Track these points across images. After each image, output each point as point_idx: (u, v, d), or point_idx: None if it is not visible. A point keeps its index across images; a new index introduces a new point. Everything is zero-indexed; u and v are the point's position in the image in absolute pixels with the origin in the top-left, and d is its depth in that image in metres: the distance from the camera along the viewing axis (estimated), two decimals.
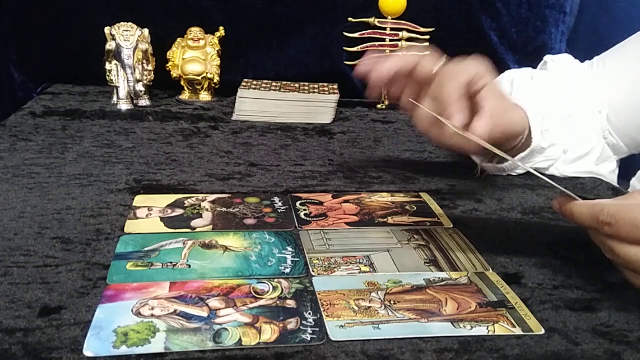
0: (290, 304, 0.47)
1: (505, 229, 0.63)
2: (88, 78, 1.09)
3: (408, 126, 1.00)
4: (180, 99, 1.05)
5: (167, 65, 1.03)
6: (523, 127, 0.66)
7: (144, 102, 1.00)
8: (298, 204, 0.66)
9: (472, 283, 0.52)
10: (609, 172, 0.77)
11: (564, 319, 0.47)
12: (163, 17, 1.08)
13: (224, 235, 0.58)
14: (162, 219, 0.61)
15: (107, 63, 0.97)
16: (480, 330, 0.45)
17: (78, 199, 0.64)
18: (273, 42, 1.13)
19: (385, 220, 0.63)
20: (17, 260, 0.51)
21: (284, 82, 1.05)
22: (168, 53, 1.03)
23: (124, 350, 0.41)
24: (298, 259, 0.54)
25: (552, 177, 0.74)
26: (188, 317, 0.45)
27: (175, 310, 0.45)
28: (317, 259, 0.54)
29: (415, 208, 0.67)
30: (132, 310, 0.45)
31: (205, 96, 1.05)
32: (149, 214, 0.62)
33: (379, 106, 1.10)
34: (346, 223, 0.62)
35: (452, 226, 0.63)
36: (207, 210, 0.63)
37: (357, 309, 0.47)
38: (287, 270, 0.52)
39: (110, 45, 0.96)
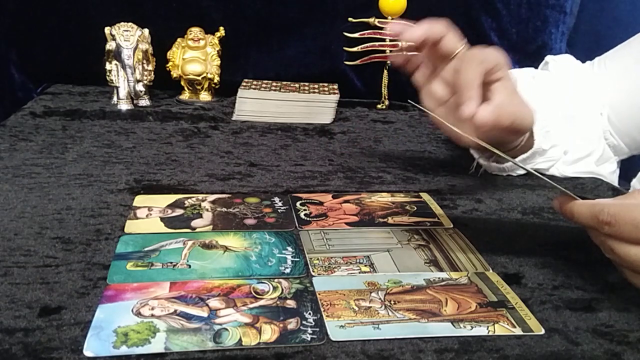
0: (290, 304, 0.47)
1: (505, 229, 0.63)
2: (88, 78, 1.09)
3: (408, 126, 1.00)
4: (180, 99, 1.05)
5: (167, 65, 1.03)
6: (530, 123, 0.64)
7: (144, 102, 1.00)
8: (298, 204, 0.66)
9: (472, 283, 0.52)
10: (610, 173, 0.77)
11: (564, 319, 0.47)
12: (163, 17, 1.08)
13: (224, 235, 0.58)
14: (162, 219, 0.61)
15: (107, 63, 0.97)
16: (480, 330, 0.45)
17: (78, 199, 0.64)
18: (273, 42, 1.13)
19: (385, 220, 0.63)
20: (17, 260, 0.51)
21: (284, 82, 1.05)
22: (168, 53, 1.03)
23: (124, 350, 0.41)
24: (298, 259, 0.54)
25: (552, 177, 0.74)
26: (188, 317, 0.45)
27: (175, 310, 0.45)
28: (317, 259, 0.54)
29: (415, 208, 0.67)
30: (132, 310, 0.45)
31: (205, 96, 1.05)
32: (149, 214, 0.62)
33: (379, 106, 1.10)
34: (346, 223, 0.62)
35: (452, 226, 0.63)
36: (207, 210, 0.63)
37: (357, 309, 0.47)
38: (287, 270, 0.52)
39: (110, 45, 0.96)
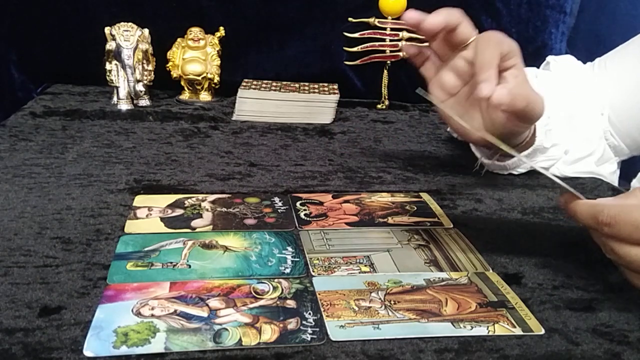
0: (290, 304, 0.47)
1: (505, 229, 0.63)
2: (88, 78, 1.09)
3: (408, 126, 1.00)
4: (180, 99, 1.05)
5: (167, 65, 1.03)
6: (541, 110, 0.62)
7: (144, 102, 1.00)
8: (298, 204, 0.66)
9: (472, 283, 0.52)
10: (610, 174, 0.77)
11: (564, 319, 0.47)
12: (163, 17, 1.08)
13: (224, 235, 0.58)
14: (162, 219, 0.61)
15: (107, 63, 0.97)
16: (480, 330, 0.45)
17: (78, 199, 0.64)
18: (273, 42, 1.13)
19: (385, 220, 0.63)
20: (17, 260, 0.51)
21: (284, 82, 1.05)
22: (168, 53, 1.03)
23: (124, 350, 0.41)
24: (298, 259, 0.54)
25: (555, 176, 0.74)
26: (188, 317, 0.45)
27: (175, 310, 0.45)
28: (317, 259, 0.54)
29: (415, 208, 0.67)
30: (132, 310, 0.45)
31: (205, 96, 1.05)
32: (149, 214, 0.62)
33: (379, 106, 1.10)
34: (346, 223, 0.62)
35: (452, 226, 0.63)
36: (207, 210, 0.63)
37: (357, 309, 0.47)
38: (287, 270, 0.52)
39: (110, 45, 0.96)
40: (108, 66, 0.97)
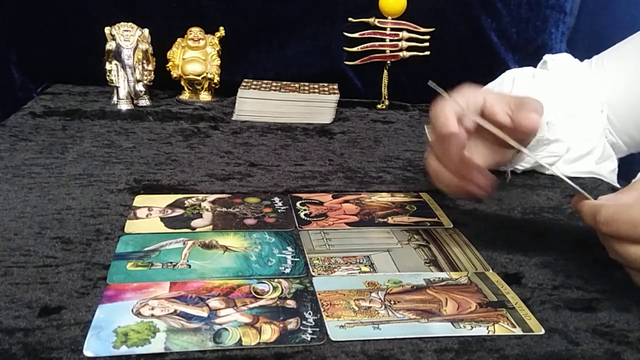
0: (290, 304, 0.47)
1: (505, 229, 0.63)
2: (88, 78, 1.09)
3: (408, 126, 1.00)
4: (180, 99, 1.05)
5: (167, 65, 1.03)
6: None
7: (144, 102, 1.00)
8: (298, 204, 0.66)
9: (472, 283, 0.52)
10: (609, 172, 0.77)
11: (564, 319, 0.47)
12: (163, 17, 1.08)
13: (224, 235, 0.58)
14: (162, 219, 0.61)
15: (107, 63, 0.97)
16: (480, 330, 0.45)
17: (78, 199, 0.64)
18: (273, 42, 1.13)
19: (385, 220, 0.63)
20: (17, 260, 0.51)
21: (284, 82, 1.05)
22: (168, 53, 1.03)
23: (124, 350, 0.41)
24: (298, 259, 0.54)
25: (553, 176, 0.74)
26: (188, 317, 0.45)
27: (175, 310, 0.45)
28: (317, 259, 0.54)
29: (415, 208, 0.67)
30: (132, 310, 0.45)
31: (205, 96, 1.05)
32: (149, 214, 0.62)
33: (379, 106, 1.10)
34: (346, 223, 0.62)
35: (452, 226, 0.63)
36: (207, 210, 0.63)
37: (357, 309, 0.47)
38: (287, 270, 0.52)
39: (110, 45, 0.96)
40: (108, 66, 0.97)
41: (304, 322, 0.45)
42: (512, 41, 1.15)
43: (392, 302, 0.48)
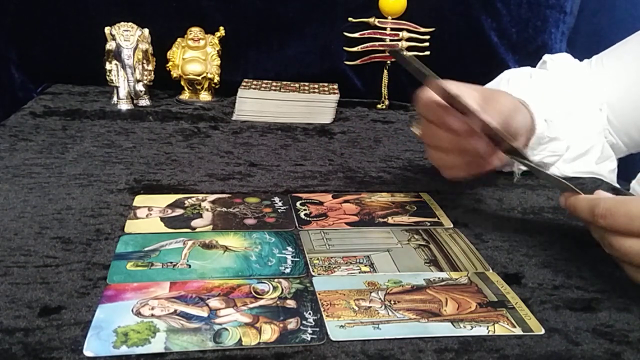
0: (290, 304, 0.47)
1: (505, 229, 0.63)
2: (88, 78, 1.09)
3: (408, 126, 1.00)
4: (180, 99, 1.05)
5: (167, 65, 1.03)
6: (525, 124, 0.65)
7: (144, 102, 1.00)
8: (298, 203, 0.66)
9: (472, 283, 0.52)
10: (609, 172, 0.77)
11: (564, 319, 0.47)
12: (163, 17, 1.08)
13: (224, 235, 0.58)
14: (162, 219, 0.61)
15: (107, 63, 0.97)
16: (480, 330, 0.45)
17: (78, 199, 0.64)
18: (273, 42, 1.13)
19: (385, 220, 0.63)
20: (17, 260, 0.51)
21: (284, 82, 1.05)
22: (168, 53, 1.03)
23: (124, 350, 0.41)
24: (298, 259, 0.54)
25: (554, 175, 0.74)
26: (188, 317, 0.45)
27: (175, 310, 0.45)
28: (317, 259, 0.54)
29: (415, 208, 0.67)
30: (132, 310, 0.45)
31: (205, 96, 1.05)
32: (149, 213, 0.62)
33: (379, 106, 1.10)
34: (346, 223, 0.62)
35: (452, 226, 0.63)
36: (207, 210, 0.63)
37: (357, 309, 0.47)
38: (287, 270, 0.52)
39: (110, 45, 0.96)
40: (108, 66, 0.97)
41: (304, 322, 0.45)
42: (512, 41, 1.15)
43: (392, 302, 0.48)
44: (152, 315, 0.45)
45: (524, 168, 0.75)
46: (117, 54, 0.96)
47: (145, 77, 0.98)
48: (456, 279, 0.52)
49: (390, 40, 1.06)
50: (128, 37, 0.96)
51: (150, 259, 0.53)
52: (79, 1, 1.07)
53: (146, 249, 0.55)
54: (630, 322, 0.47)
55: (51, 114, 0.94)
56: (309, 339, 0.43)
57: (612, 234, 0.47)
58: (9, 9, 1.06)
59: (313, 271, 0.52)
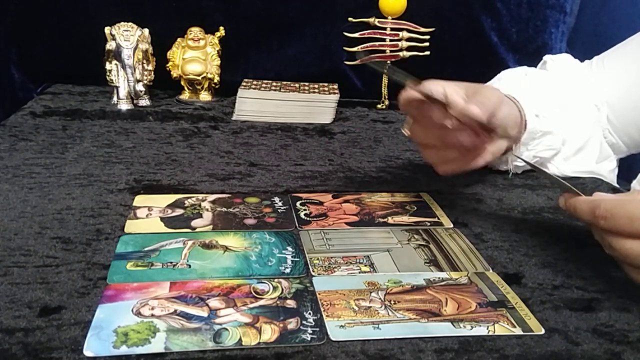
0: (290, 303, 0.47)
1: (505, 229, 0.63)
2: (88, 78, 1.09)
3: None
4: (180, 98, 1.05)
5: (167, 65, 1.03)
6: (513, 118, 0.65)
7: (144, 102, 1.00)
8: (298, 203, 0.66)
9: (472, 283, 0.52)
10: (609, 172, 0.77)
11: (564, 319, 0.47)
12: (163, 17, 1.08)
13: (224, 235, 0.58)
14: (162, 219, 0.61)
15: (107, 63, 0.97)
16: (480, 330, 0.45)
17: (78, 199, 0.64)
18: (273, 42, 1.13)
19: (385, 220, 0.63)
20: (17, 260, 0.51)
21: (284, 82, 1.05)
22: (168, 53, 1.03)
23: (124, 350, 0.41)
24: (298, 259, 0.54)
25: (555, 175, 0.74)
26: (188, 317, 0.45)
27: (175, 310, 0.45)
28: (317, 259, 0.54)
29: (415, 208, 0.67)
30: (132, 310, 0.45)
31: (205, 96, 1.05)
32: (149, 213, 0.62)
33: (379, 106, 1.10)
34: (346, 223, 0.62)
35: (452, 226, 0.63)
36: (207, 210, 0.63)
37: (357, 308, 0.47)
38: (287, 270, 0.52)
39: (110, 45, 0.96)
40: (108, 66, 0.97)
41: (304, 322, 0.45)
42: (512, 41, 1.15)
43: (392, 302, 0.48)
44: (152, 315, 0.45)
45: (519, 164, 0.75)
46: (117, 54, 0.96)
47: (145, 77, 0.98)
48: (456, 279, 0.52)
49: (390, 40, 1.06)
50: (128, 37, 0.96)
51: (150, 259, 0.53)
52: (79, 1, 1.07)
53: (146, 249, 0.55)
54: (630, 322, 0.47)
55: (51, 114, 0.94)
56: (309, 339, 0.43)
57: (613, 235, 0.47)
58: (9, 9, 1.06)
59: (313, 271, 0.52)
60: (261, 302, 0.47)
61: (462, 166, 0.61)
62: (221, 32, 1.04)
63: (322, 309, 0.46)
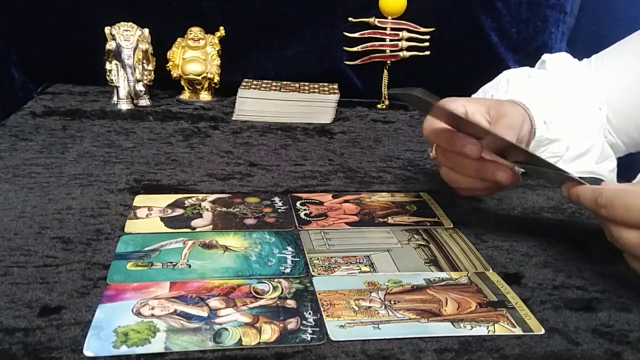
0: (290, 303, 0.47)
1: (505, 229, 0.63)
2: (88, 78, 1.09)
3: (408, 126, 1.00)
4: (180, 98, 1.05)
5: (167, 65, 1.03)
6: (528, 130, 0.65)
7: (144, 101, 1.00)
8: (298, 203, 0.66)
9: (472, 283, 0.52)
10: (609, 172, 0.77)
11: (564, 319, 0.47)
12: (163, 17, 1.08)
13: (224, 235, 0.58)
14: (162, 219, 0.61)
15: (107, 63, 0.97)
16: (480, 330, 0.45)
17: (78, 199, 0.64)
18: (273, 42, 1.13)
19: (385, 220, 0.63)
20: (17, 260, 0.51)
21: (284, 82, 1.05)
22: (168, 53, 1.03)
23: (124, 350, 0.41)
24: (298, 259, 0.54)
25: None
26: (188, 317, 0.45)
27: (175, 310, 0.45)
28: (317, 259, 0.54)
29: (415, 208, 0.67)
30: (132, 310, 0.45)
31: (205, 96, 1.05)
32: (149, 213, 0.62)
33: (379, 106, 1.10)
34: (346, 223, 0.62)
35: (452, 226, 0.63)
36: (207, 210, 0.63)
37: (357, 308, 0.47)
38: (287, 270, 0.52)
39: (110, 45, 0.96)
40: (108, 66, 0.97)
41: (304, 322, 0.45)
42: (512, 41, 1.15)
43: (392, 302, 0.48)
44: (152, 315, 0.45)
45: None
46: (117, 54, 0.96)
47: (145, 77, 0.98)
48: (456, 279, 0.52)
49: (390, 40, 1.06)
50: (128, 37, 0.96)
51: (150, 258, 0.53)
52: (79, 1, 1.07)
53: (146, 248, 0.55)
54: (630, 322, 0.47)
55: (51, 113, 0.94)
56: (309, 339, 0.43)
57: (613, 224, 0.48)
58: (9, 9, 1.06)
59: (313, 271, 0.52)
60: (261, 302, 0.47)
61: (487, 193, 0.61)
62: (221, 32, 1.04)
63: (322, 309, 0.46)
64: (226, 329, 0.43)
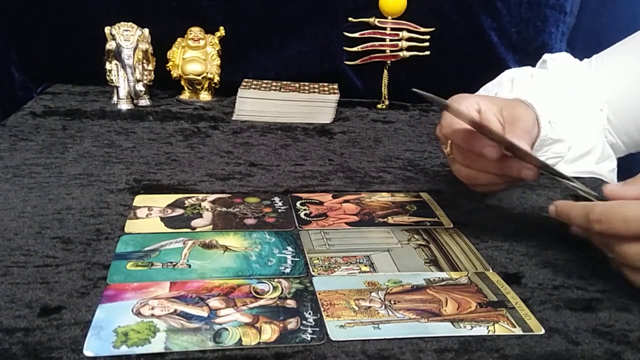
0: (290, 303, 0.47)
1: (505, 229, 0.63)
2: (88, 78, 1.09)
3: (408, 126, 1.00)
4: (180, 98, 1.05)
5: (167, 65, 1.03)
6: (537, 131, 0.66)
7: (144, 101, 1.00)
8: (298, 203, 0.66)
9: (472, 283, 0.52)
10: (609, 172, 0.77)
11: (564, 319, 0.47)
12: (163, 17, 1.08)
13: (224, 235, 0.58)
14: (162, 219, 0.61)
15: (107, 63, 0.97)
16: (480, 330, 0.45)
17: (78, 199, 0.64)
18: (273, 42, 1.13)
19: (385, 220, 0.63)
20: (17, 260, 0.51)
21: (284, 82, 1.05)
22: (168, 53, 1.03)
23: (124, 350, 0.41)
24: (298, 259, 0.54)
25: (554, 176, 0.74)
26: (188, 317, 0.45)
27: (175, 310, 0.45)
28: (317, 259, 0.54)
29: (415, 208, 0.67)
30: (132, 310, 0.45)
31: (205, 96, 1.05)
32: (149, 213, 0.62)
33: (379, 106, 1.10)
34: (346, 223, 0.62)
35: (452, 226, 0.63)
36: (207, 210, 0.63)
37: (357, 308, 0.47)
38: (287, 270, 0.52)
39: (110, 45, 0.96)
40: (108, 66, 0.97)
41: (304, 322, 0.45)
42: (512, 41, 1.15)
43: (392, 302, 0.48)
44: (152, 315, 0.45)
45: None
46: (117, 54, 0.96)
47: (145, 77, 0.98)
48: (456, 279, 0.52)
49: (390, 40, 1.06)
50: (128, 37, 0.96)
51: (150, 258, 0.53)
52: (79, 1, 1.07)
53: (146, 248, 0.55)
54: (630, 322, 0.47)
55: (51, 113, 0.94)
56: (309, 339, 0.43)
57: (610, 239, 0.47)
58: (9, 8, 1.06)
59: (313, 271, 0.52)
60: (261, 302, 0.47)
61: (503, 188, 0.61)
62: (221, 32, 1.04)
63: (322, 309, 0.46)
64: (226, 329, 0.43)
